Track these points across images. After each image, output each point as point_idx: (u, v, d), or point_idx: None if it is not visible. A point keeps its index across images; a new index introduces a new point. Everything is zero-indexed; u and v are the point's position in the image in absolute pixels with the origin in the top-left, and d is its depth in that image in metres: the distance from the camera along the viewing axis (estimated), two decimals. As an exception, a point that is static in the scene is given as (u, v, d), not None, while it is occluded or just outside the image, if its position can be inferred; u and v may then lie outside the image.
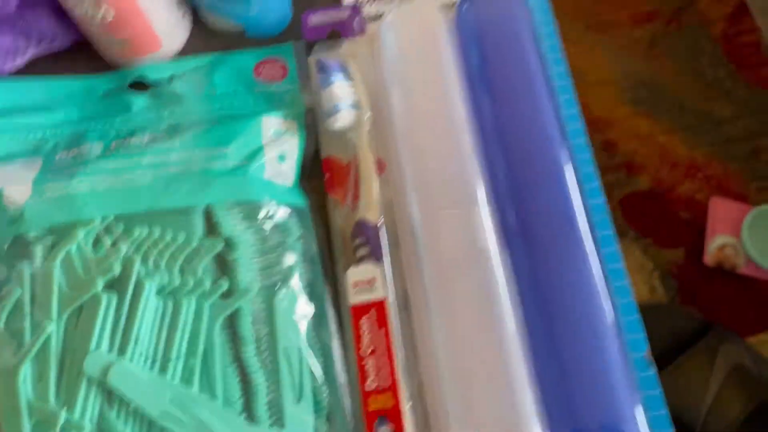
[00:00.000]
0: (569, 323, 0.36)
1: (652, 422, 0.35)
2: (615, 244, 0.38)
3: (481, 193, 0.37)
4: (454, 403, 0.34)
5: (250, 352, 0.33)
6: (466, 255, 0.36)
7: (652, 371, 0.36)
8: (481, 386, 0.34)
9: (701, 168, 0.43)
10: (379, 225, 0.37)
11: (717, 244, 0.47)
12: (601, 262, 0.36)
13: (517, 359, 0.34)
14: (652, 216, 0.44)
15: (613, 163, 0.42)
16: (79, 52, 0.42)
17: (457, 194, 0.37)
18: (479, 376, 0.34)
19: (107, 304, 0.32)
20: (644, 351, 0.36)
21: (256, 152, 0.37)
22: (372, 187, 0.38)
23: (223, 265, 0.35)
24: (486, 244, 0.36)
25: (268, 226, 0.36)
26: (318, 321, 0.35)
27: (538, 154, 0.39)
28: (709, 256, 0.45)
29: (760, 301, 0.46)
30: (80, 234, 0.34)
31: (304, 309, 0.35)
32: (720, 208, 0.45)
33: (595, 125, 0.44)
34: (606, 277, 0.36)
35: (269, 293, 0.35)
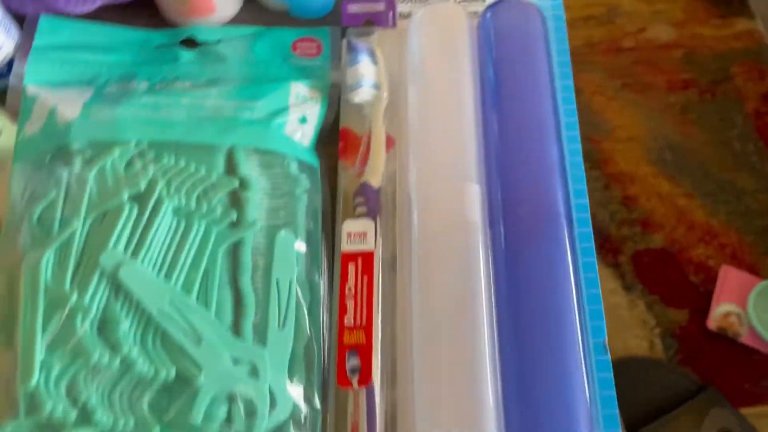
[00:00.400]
0: (536, 313, 0.38)
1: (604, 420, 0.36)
2: (591, 240, 0.41)
3: (476, 174, 0.41)
4: (420, 363, 0.37)
5: (246, 278, 0.37)
6: (454, 225, 0.39)
7: (608, 357, 0.38)
8: (448, 352, 0.37)
9: (717, 235, 0.45)
10: (379, 189, 0.41)
11: (722, 311, 0.49)
12: (574, 255, 0.39)
13: (483, 334, 0.37)
14: (661, 274, 0.46)
15: (630, 217, 0.45)
16: (142, 8, 0.47)
17: (454, 171, 0.40)
18: (447, 343, 0.37)
19: (128, 212, 0.37)
20: (603, 337, 0.39)
21: (281, 110, 0.41)
22: (379, 157, 0.42)
23: (235, 201, 0.39)
24: (474, 217, 0.39)
25: (280, 175, 0.40)
26: (311, 263, 0.39)
27: (534, 158, 0.42)
28: (713, 321, 0.47)
29: (758, 374, 0.47)
30: (116, 152, 0.38)
31: (300, 250, 0.39)
32: (730, 276, 0.47)
33: (617, 179, 0.47)
34: (577, 271, 0.39)
35: (272, 231, 0.39)
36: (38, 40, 0.44)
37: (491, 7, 0.46)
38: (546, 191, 0.41)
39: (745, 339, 0.43)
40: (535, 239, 0.40)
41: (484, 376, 0.36)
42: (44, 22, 0.45)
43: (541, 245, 0.39)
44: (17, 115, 0.42)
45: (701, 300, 0.44)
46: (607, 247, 0.44)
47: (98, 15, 0.46)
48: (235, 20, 0.48)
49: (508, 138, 0.43)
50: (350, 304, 0.37)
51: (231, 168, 0.40)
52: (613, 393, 0.37)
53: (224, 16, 0.47)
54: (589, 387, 0.36)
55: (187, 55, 0.45)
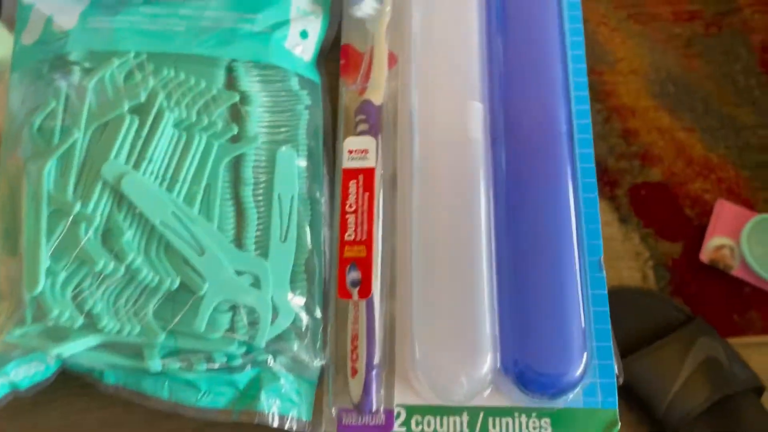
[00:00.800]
0: (535, 229, 0.38)
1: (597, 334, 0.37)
2: (592, 161, 0.41)
3: (479, 93, 0.40)
4: (418, 279, 0.37)
5: (247, 192, 0.37)
6: (455, 142, 0.39)
7: (603, 274, 0.39)
8: (446, 269, 0.37)
9: (715, 170, 0.45)
10: (381, 106, 0.41)
11: (715, 244, 0.50)
12: (574, 174, 0.39)
13: (482, 251, 0.37)
14: (657, 208, 0.46)
15: (629, 151, 0.45)
16: None
17: (457, 89, 0.40)
18: (445, 259, 0.37)
19: (129, 124, 0.36)
20: (600, 256, 0.39)
21: (282, 24, 0.41)
22: (381, 74, 0.42)
23: (236, 116, 0.39)
24: (476, 134, 0.39)
25: (281, 91, 0.40)
26: (312, 180, 0.39)
27: (538, 78, 0.42)
28: (706, 253, 0.47)
29: (747, 306, 0.49)
30: (115, 63, 0.38)
31: (301, 166, 0.39)
32: (725, 210, 0.48)
33: (618, 112, 0.47)
34: (576, 191, 0.39)
35: (273, 147, 0.39)
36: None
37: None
38: (549, 110, 0.41)
39: (736, 272, 0.44)
40: (536, 157, 0.40)
41: (482, 292, 0.37)
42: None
43: (542, 163, 0.39)
44: (13, 24, 0.41)
45: (695, 234, 0.45)
46: (604, 179, 0.44)
47: None
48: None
49: (513, 59, 0.42)
50: (351, 220, 0.37)
51: (231, 82, 0.39)
52: (607, 309, 0.38)
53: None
54: (583, 302, 0.37)
55: (185, -36, 0.43)
